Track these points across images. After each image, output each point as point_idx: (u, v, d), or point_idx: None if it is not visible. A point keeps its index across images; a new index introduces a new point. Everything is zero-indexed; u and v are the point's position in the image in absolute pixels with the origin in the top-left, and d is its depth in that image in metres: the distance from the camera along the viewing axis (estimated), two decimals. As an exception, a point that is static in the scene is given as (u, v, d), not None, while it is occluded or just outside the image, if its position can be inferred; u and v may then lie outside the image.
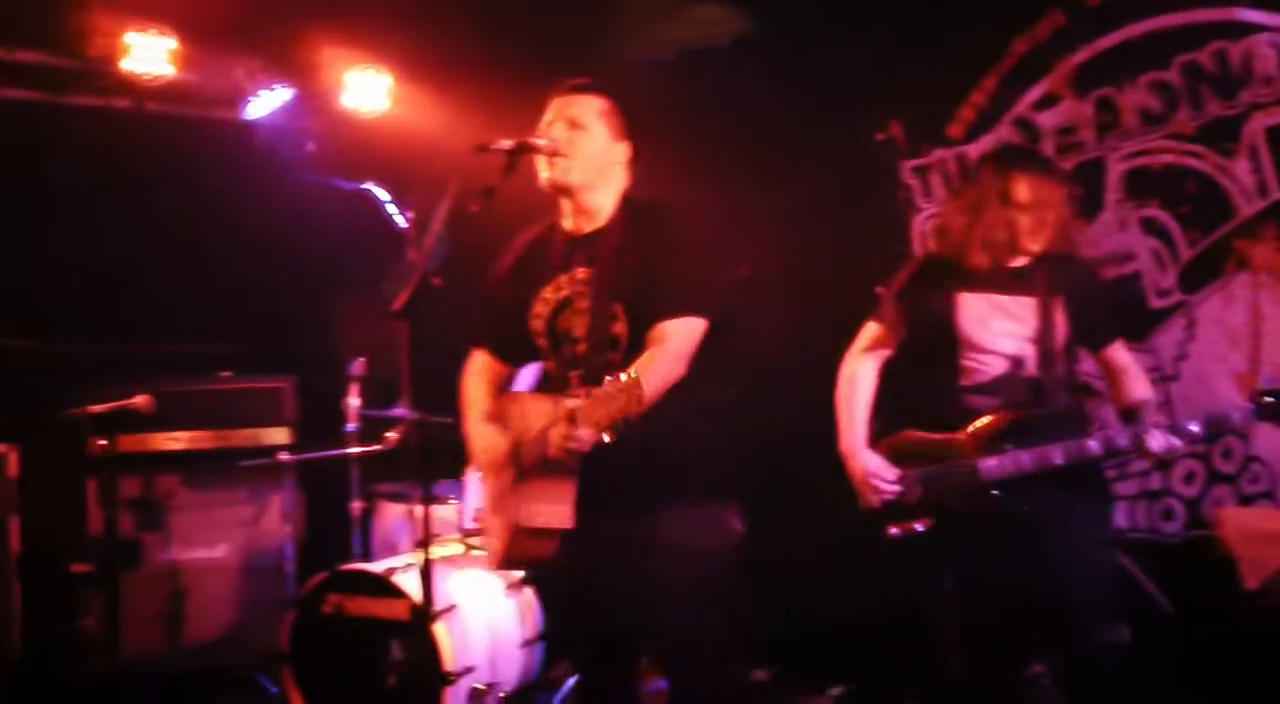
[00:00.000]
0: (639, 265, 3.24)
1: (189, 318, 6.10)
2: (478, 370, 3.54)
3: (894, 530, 3.61)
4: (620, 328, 3.23)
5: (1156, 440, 3.35)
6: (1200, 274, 4.60)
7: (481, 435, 3.38)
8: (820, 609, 5.23)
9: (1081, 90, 4.91)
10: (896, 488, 3.59)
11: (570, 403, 2.93)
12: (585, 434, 2.95)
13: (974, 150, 5.15)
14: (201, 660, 5.51)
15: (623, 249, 3.27)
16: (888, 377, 3.78)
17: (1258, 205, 4.53)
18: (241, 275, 6.12)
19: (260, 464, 5.36)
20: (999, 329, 3.55)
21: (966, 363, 3.58)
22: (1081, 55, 4.89)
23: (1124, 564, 3.79)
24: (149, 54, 5.36)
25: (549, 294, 3.35)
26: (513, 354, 3.52)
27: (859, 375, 3.77)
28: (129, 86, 5.58)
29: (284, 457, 5.31)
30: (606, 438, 2.91)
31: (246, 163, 6.02)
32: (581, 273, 3.30)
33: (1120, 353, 3.65)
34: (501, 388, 3.54)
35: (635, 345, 3.19)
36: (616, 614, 3.33)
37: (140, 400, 4.57)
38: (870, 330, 3.82)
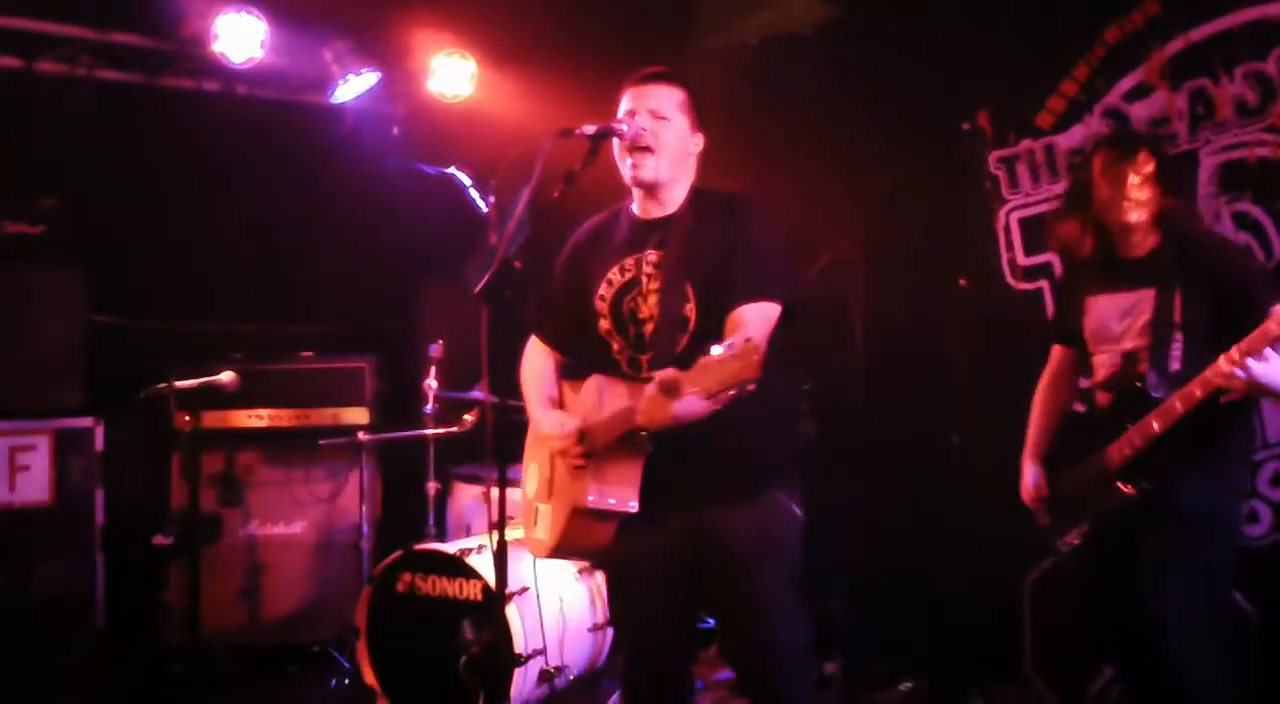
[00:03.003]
0: (713, 249, 3.22)
1: (273, 298, 6.20)
2: (535, 356, 3.55)
3: (1061, 548, 3.65)
4: (690, 309, 3.21)
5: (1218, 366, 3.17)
6: (1296, 270, 4.49)
7: (552, 419, 3.36)
8: (889, 603, 5.19)
9: (1175, 81, 4.79)
10: (1037, 504, 3.71)
11: (665, 373, 2.84)
12: (690, 403, 2.86)
13: (1063, 141, 5.06)
14: (278, 634, 5.62)
15: (696, 233, 3.26)
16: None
17: (1356, 201, 4.42)
18: (325, 257, 6.21)
19: (339, 443, 5.43)
20: (1117, 327, 3.55)
21: (1094, 361, 3.63)
22: (1175, 45, 4.78)
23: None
24: (239, 37, 5.43)
25: (615, 276, 3.34)
26: (565, 343, 3.52)
27: (1039, 395, 3.88)
28: (220, 69, 5.65)
29: (362, 436, 5.38)
30: (717, 405, 2.82)
31: (333, 146, 6.09)
32: (653, 255, 3.29)
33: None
34: (557, 375, 3.53)
35: (703, 327, 3.17)
36: (675, 606, 3.33)
37: (226, 377, 4.63)
38: (1053, 351, 3.90)
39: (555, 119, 5.41)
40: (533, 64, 5.88)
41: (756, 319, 3.14)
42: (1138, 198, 3.49)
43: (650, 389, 2.92)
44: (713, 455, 3.17)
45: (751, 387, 2.73)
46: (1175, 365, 3.40)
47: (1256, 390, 3.19)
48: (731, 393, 2.74)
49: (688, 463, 3.15)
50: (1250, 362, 3.12)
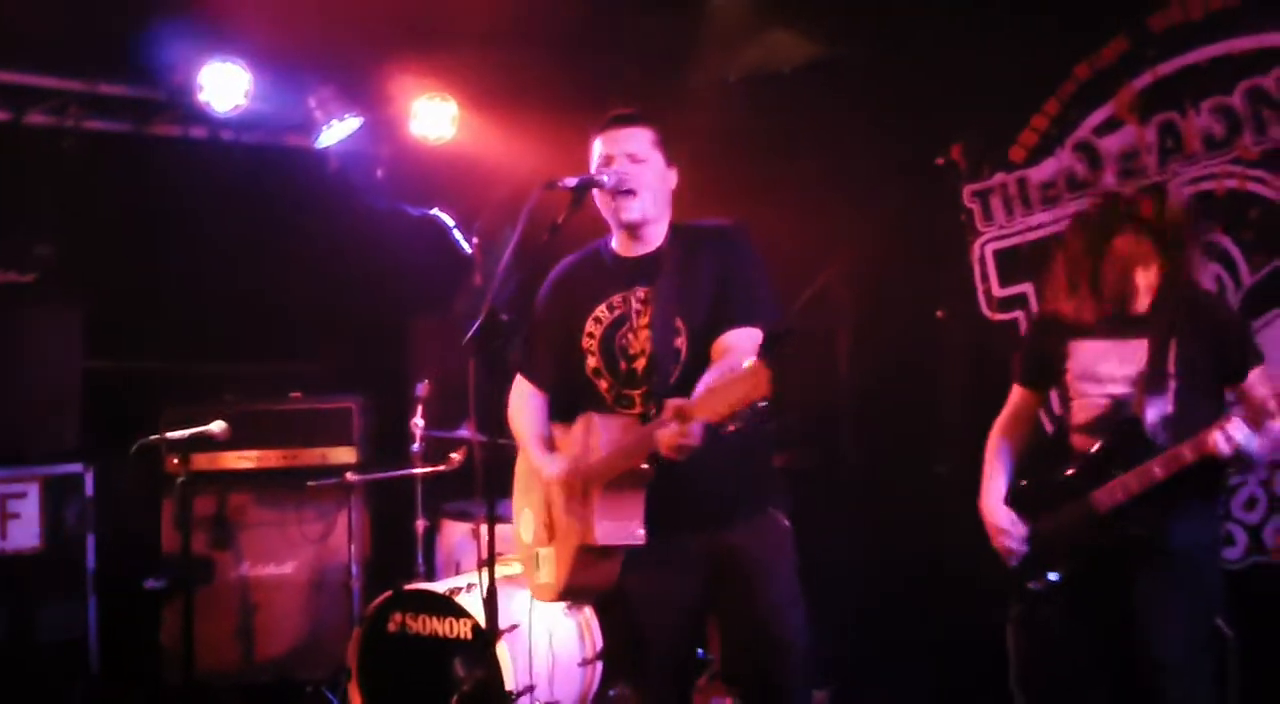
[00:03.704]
0: (701, 282, 3.31)
1: (261, 338, 6.24)
2: (523, 398, 3.59)
3: (1033, 585, 3.63)
4: (681, 342, 3.29)
5: (1237, 430, 3.19)
6: (1263, 300, 4.57)
7: (545, 461, 3.43)
8: (879, 631, 5.25)
9: (1144, 115, 4.90)
10: (1019, 546, 3.65)
11: (675, 402, 2.91)
12: (698, 429, 2.91)
13: (1035, 174, 5.17)
14: (272, 673, 5.63)
15: (682, 267, 3.34)
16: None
17: (1321, 231, 4.53)
18: (312, 297, 6.25)
19: (327, 484, 5.47)
20: (1106, 372, 3.53)
21: (1074, 404, 3.61)
22: (1144, 80, 4.89)
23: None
24: (224, 87, 5.49)
25: (603, 313, 3.40)
26: (552, 382, 3.57)
27: (998, 436, 3.84)
28: (206, 116, 5.72)
29: (351, 477, 5.42)
30: (731, 427, 2.84)
31: (318, 188, 6.15)
32: (641, 291, 3.36)
33: (1256, 386, 3.42)
34: (544, 414, 3.59)
35: (694, 359, 3.26)
36: (683, 634, 3.41)
37: (217, 428, 4.64)
38: (1014, 392, 3.86)
39: (536, 161, 5.58)
40: (514, 106, 5.94)
41: (744, 342, 3.22)
42: (1143, 283, 3.52)
43: (667, 418, 2.93)
44: (710, 480, 3.24)
45: (764, 405, 2.73)
46: (1168, 409, 3.42)
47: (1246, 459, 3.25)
48: (745, 412, 2.76)
49: (689, 488, 3.21)
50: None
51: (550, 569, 3.42)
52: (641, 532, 3.21)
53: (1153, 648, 3.38)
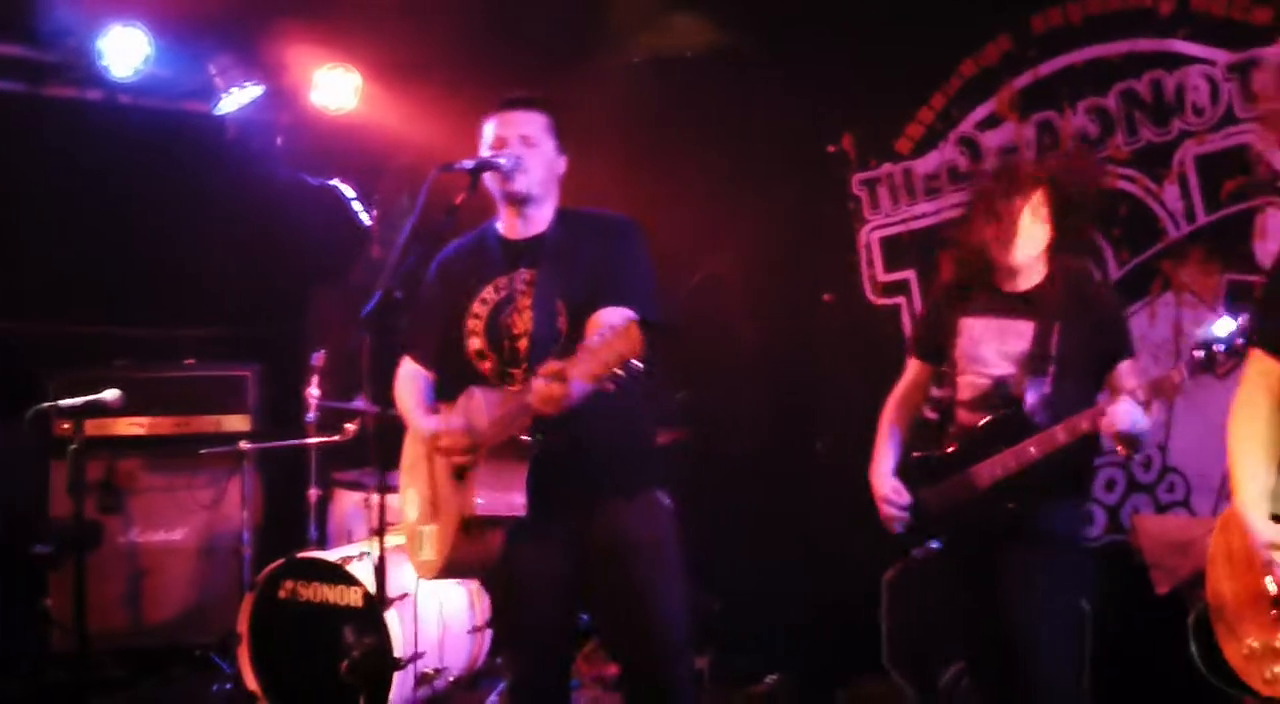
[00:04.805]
0: (583, 266, 3.38)
1: (157, 303, 6.19)
2: (408, 376, 3.64)
3: (916, 552, 3.75)
4: (562, 322, 3.37)
5: (1119, 412, 3.34)
6: (1128, 292, 4.81)
7: (434, 420, 3.47)
8: (758, 600, 5.41)
9: (1024, 113, 5.12)
10: (901, 514, 3.75)
11: (549, 364, 2.95)
12: (575, 387, 2.97)
13: (920, 166, 5.36)
14: (159, 639, 5.64)
15: (567, 251, 3.43)
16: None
17: (1185, 229, 4.77)
18: (207, 264, 6.21)
19: (220, 452, 5.48)
20: (991, 351, 3.65)
21: (960, 380, 3.72)
22: (1025, 79, 5.10)
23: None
24: (123, 50, 5.45)
25: (489, 294, 3.47)
26: (438, 361, 3.61)
27: (892, 409, 3.92)
28: (103, 79, 5.66)
29: (244, 445, 5.43)
30: (609, 386, 2.87)
31: (216, 154, 6.11)
32: (525, 273, 3.44)
33: (1125, 377, 3.56)
34: (429, 390, 3.62)
35: (574, 338, 3.29)
36: (561, 608, 3.48)
37: (110, 396, 4.60)
38: (910, 365, 3.96)
39: (437, 134, 5.61)
40: (418, 80, 5.95)
41: (616, 318, 3.19)
42: (1030, 234, 3.61)
43: (538, 380, 2.99)
44: (594, 456, 3.32)
45: (639, 365, 2.80)
46: (1047, 390, 3.55)
47: (1124, 436, 3.38)
48: (619, 373, 2.82)
49: (571, 464, 3.28)
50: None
51: (433, 546, 3.45)
52: (522, 502, 3.25)
53: (1015, 627, 3.51)
